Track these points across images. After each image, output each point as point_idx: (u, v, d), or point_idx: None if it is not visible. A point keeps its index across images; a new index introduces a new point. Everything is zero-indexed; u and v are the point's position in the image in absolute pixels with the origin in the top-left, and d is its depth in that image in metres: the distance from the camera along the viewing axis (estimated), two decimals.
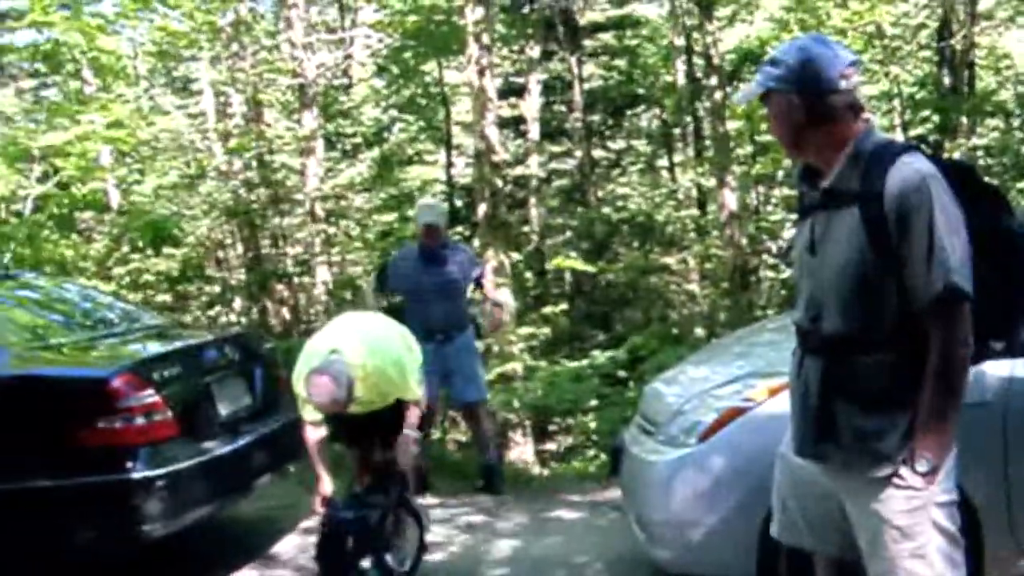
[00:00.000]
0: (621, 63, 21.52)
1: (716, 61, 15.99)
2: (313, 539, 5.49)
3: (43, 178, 15.42)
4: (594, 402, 12.32)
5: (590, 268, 17.47)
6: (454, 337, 7.78)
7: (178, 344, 6.92)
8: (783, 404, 3.63)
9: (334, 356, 5.26)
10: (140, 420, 5.48)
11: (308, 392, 5.19)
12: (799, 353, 3.26)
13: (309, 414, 5.39)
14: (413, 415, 5.60)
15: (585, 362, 13.97)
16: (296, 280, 16.21)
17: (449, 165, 19.30)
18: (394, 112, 20.30)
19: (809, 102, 3.07)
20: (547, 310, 16.64)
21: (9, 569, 5.08)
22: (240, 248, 17.00)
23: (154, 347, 6.63)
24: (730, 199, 15.57)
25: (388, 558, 5.40)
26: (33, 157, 14.85)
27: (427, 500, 7.23)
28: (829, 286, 3.07)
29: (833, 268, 3.05)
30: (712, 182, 17.24)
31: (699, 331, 15.09)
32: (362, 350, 5.35)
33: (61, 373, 5.93)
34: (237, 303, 16.34)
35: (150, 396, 5.55)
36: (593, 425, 12.34)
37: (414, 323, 6.89)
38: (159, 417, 5.56)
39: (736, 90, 17.10)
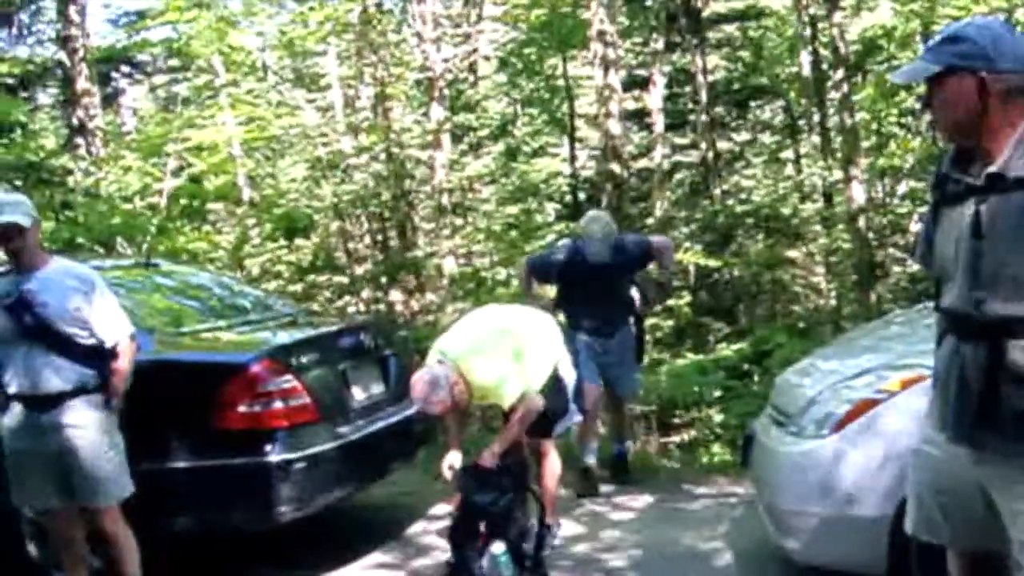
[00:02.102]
0: (745, 54, 21.31)
1: (843, 51, 15.71)
2: (441, 525, 5.56)
3: (177, 171, 15.84)
4: (718, 394, 12.24)
5: (713, 262, 17.33)
6: (617, 329, 7.79)
7: (314, 331, 7.09)
8: (917, 397, 3.60)
9: (439, 358, 5.44)
10: (279, 404, 5.63)
11: (412, 397, 5.38)
12: (952, 339, 3.12)
13: None
14: (516, 420, 5.61)
15: (710, 355, 13.89)
16: (423, 271, 16.36)
17: (573, 158, 19.30)
18: (517, 106, 20.36)
19: (998, 81, 2.97)
20: (671, 302, 16.57)
21: (150, 544, 5.25)
22: (368, 239, 17.20)
23: (291, 334, 6.79)
24: (857, 192, 15.32)
25: (518, 544, 5.45)
26: (167, 152, 15.29)
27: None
28: (1000, 268, 2.96)
29: (1006, 250, 2.94)
30: (838, 174, 16.97)
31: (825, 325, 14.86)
32: (461, 354, 5.49)
33: (203, 358, 6.11)
34: (365, 293, 16.55)
35: (289, 381, 5.70)
36: (718, 418, 12.26)
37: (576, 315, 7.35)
38: (297, 402, 5.71)
39: (861, 85, 16.84)
